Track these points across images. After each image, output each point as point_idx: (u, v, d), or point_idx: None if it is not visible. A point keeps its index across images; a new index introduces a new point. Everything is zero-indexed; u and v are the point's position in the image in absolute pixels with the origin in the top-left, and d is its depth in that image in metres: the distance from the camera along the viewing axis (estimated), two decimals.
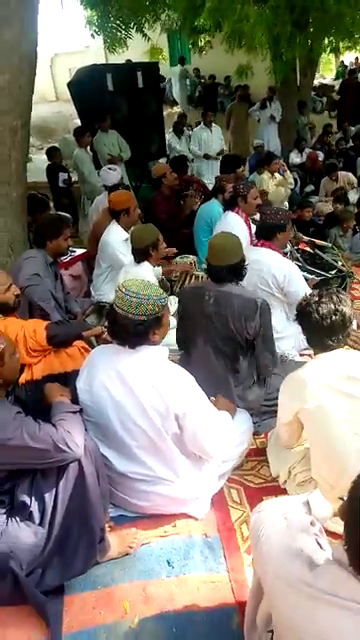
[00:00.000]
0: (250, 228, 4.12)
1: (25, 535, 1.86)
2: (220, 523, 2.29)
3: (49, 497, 1.89)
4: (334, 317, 2.08)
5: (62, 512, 1.89)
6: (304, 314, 2.15)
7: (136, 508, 2.28)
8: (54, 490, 1.89)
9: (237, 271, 2.69)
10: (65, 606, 1.94)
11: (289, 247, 4.24)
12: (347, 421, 2.04)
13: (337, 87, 14.64)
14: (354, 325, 3.51)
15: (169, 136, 8.61)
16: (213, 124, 8.12)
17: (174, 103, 15.25)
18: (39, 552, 1.87)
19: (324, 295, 2.14)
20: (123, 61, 9.51)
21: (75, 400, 2.18)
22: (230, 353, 2.74)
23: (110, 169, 5.05)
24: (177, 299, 3.16)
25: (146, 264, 3.45)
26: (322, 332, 2.11)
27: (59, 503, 1.89)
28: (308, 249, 4.47)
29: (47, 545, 1.88)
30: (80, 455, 1.89)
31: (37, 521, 1.88)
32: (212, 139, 8.01)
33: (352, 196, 6.66)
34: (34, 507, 1.88)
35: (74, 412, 2.01)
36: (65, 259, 4.36)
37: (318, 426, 2.13)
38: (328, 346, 2.13)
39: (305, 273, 3.78)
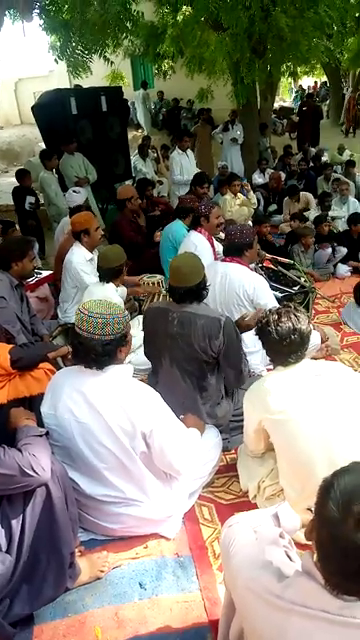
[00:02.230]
0: (214, 247, 4.19)
1: None
2: (192, 542, 2.28)
3: (16, 523, 1.84)
4: (293, 336, 2.12)
5: (30, 538, 1.85)
6: (264, 333, 2.20)
7: (107, 531, 2.25)
8: (21, 516, 1.84)
9: (197, 293, 2.70)
10: (35, 636, 1.89)
11: (252, 265, 4.31)
12: (312, 428, 2.08)
13: (296, 110, 15.15)
14: (317, 339, 3.58)
15: (134, 159, 8.71)
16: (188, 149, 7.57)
17: (138, 126, 15.48)
18: (6, 581, 1.82)
19: (283, 314, 2.18)
20: (84, 85, 9.60)
21: (41, 424, 2.15)
22: (196, 372, 2.74)
23: (74, 191, 5.07)
24: None
25: (111, 285, 3.46)
26: (282, 350, 2.16)
27: (26, 529, 1.84)
28: (272, 266, 4.56)
29: (15, 573, 1.83)
30: (47, 479, 1.86)
31: (4, 548, 1.82)
32: (191, 163, 7.55)
33: (312, 214, 6.85)
34: (0, 534, 1.83)
35: (40, 435, 1.98)
36: (31, 281, 4.33)
37: (282, 434, 2.16)
38: (288, 362, 2.18)
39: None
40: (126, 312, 2.16)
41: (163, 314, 2.74)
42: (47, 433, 2.04)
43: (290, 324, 2.14)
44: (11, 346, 2.72)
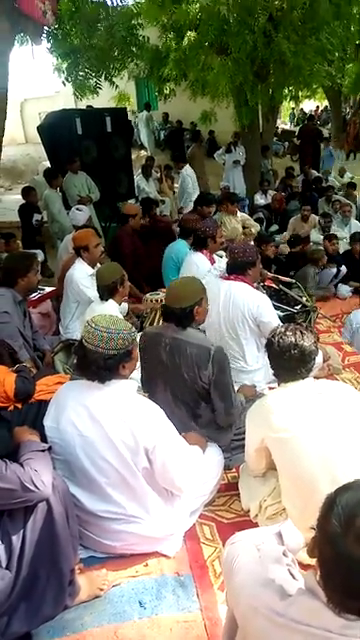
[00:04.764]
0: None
1: None
2: (192, 560, 2.25)
3: (16, 539, 1.82)
4: (293, 351, 2.15)
5: (30, 554, 1.83)
6: (268, 343, 2.26)
7: (107, 548, 2.22)
8: (21, 532, 1.83)
9: (184, 316, 2.64)
10: None
11: (255, 283, 4.34)
12: (314, 446, 2.07)
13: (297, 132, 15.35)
14: (319, 358, 3.59)
15: (137, 178, 8.83)
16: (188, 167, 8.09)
17: (142, 147, 15.69)
18: (5, 598, 1.79)
19: (289, 329, 2.22)
20: (91, 106, 9.76)
21: (45, 438, 2.15)
22: (190, 400, 2.70)
23: (78, 209, 5.15)
24: None
25: (111, 302, 3.46)
26: (283, 365, 2.19)
27: (27, 545, 1.83)
28: (273, 285, 4.59)
29: (14, 590, 1.81)
30: (48, 494, 1.85)
31: (4, 564, 1.81)
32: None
33: (314, 235, 6.91)
34: (0, 550, 1.81)
35: (42, 450, 1.98)
36: (34, 297, 4.36)
37: (285, 452, 2.15)
38: (288, 378, 2.20)
39: None
40: (133, 329, 2.17)
41: (157, 340, 2.70)
42: (50, 448, 2.04)
43: (293, 339, 2.16)
44: (16, 376, 2.75)
